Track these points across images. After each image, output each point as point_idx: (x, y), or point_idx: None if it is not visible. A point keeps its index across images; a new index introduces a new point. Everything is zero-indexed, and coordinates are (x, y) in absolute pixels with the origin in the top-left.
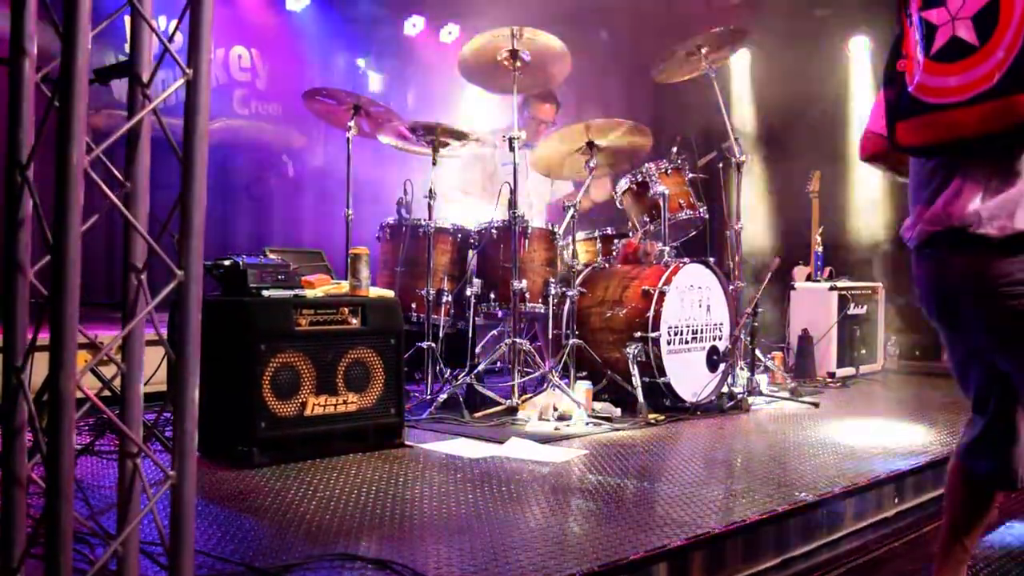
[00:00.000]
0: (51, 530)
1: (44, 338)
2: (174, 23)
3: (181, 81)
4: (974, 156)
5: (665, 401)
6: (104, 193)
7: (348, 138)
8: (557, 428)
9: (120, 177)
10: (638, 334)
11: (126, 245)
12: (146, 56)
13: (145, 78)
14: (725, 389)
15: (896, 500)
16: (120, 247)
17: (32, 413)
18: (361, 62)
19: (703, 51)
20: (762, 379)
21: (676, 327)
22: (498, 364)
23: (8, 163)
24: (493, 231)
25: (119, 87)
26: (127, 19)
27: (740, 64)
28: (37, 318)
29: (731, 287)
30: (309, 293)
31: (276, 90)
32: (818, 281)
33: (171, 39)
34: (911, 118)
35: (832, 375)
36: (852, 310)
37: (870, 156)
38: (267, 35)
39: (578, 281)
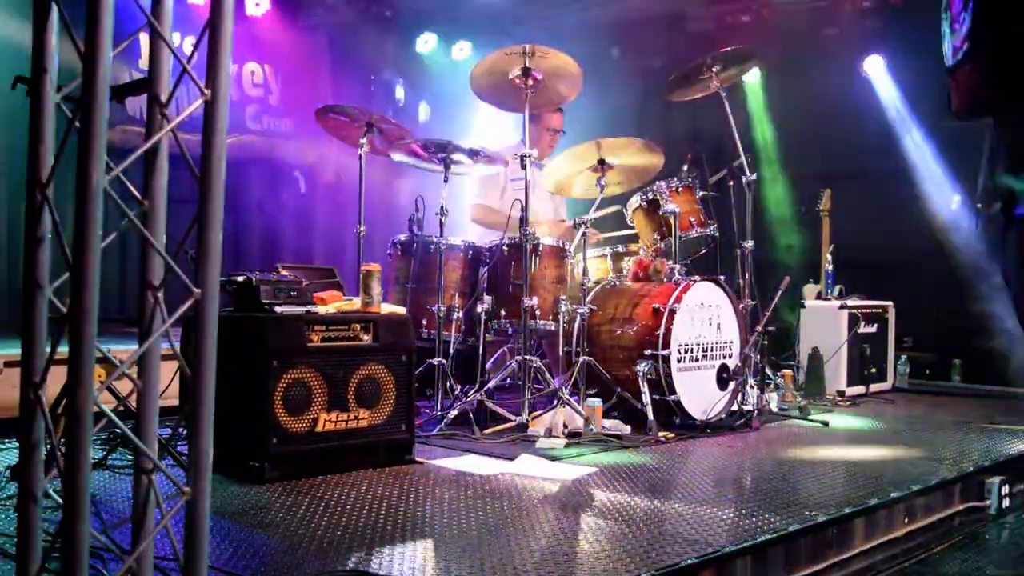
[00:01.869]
0: (67, 546)
1: (60, 351)
2: (188, 40)
3: (199, 102)
4: None
5: (675, 419)
6: (121, 210)
7: (360, 155)
8: (567, 445)
9: (138, 195)
10: (648, 352)
11: (143, 263)
12: (164, 75)
13: (164, 97)
14: (735, 407)
15: (906, 520)
16: (133, 262)
17: (49, 428)
18: (373, 79)
19: (714, 70)
20: (772, 397)
21: (686, 345)
22: (508, 381)
23: (28, 181)
24: (504, 248)
25: (132, 102)
26: (143, 36)
27: (752, 82)
28: (54, 333)
29: (741, 305)
30: (321, 309)
31: (289, 106)
32: (828, 299)
33: (190, 58)
34: None
35: (842, 394)
36: (862, 328)
37: None
38: (280, 51)
39: (588, 298)
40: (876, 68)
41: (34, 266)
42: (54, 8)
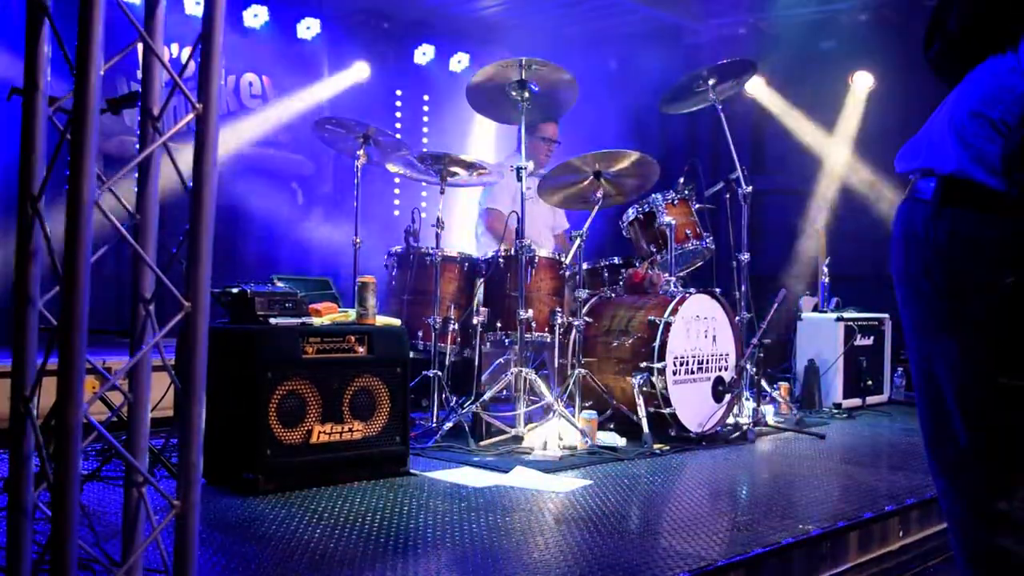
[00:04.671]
0: (56, 558)
1: (52, 362)
2: (187, 51)
3: (191, 116)
4: None
5: (670, 431)
6: (113, 222)
7: (357, 166)
8: (562, 458)
9: (130, 208)
10: (644, 364)
11: (134, 276)
12: (157, 89)
13: (156, 111)
14: (731, 420)
15: (901, 533)
16: (128, 273)
17: (39, 441)
18: (371, 90)
19: (710, 82)
20: (768, 410)
21: (682, 357)
22: (504, 393)
23: (20, 195)
24: (500, 260)
25: (130, 114)
26: (139, 45)
27: (749, 94)
28: (46, 344)
29: (737, 318)
30: (316, 321)
31: (287, 117)
32: (825, 312)
33: (183, 69)
34: None
35: (838, 406)
36: (859, 341)
37: None
38: (278, 62)
39: (584, 311)
40: (864, 82)
41: (25, 280)
42: (46, 22)
